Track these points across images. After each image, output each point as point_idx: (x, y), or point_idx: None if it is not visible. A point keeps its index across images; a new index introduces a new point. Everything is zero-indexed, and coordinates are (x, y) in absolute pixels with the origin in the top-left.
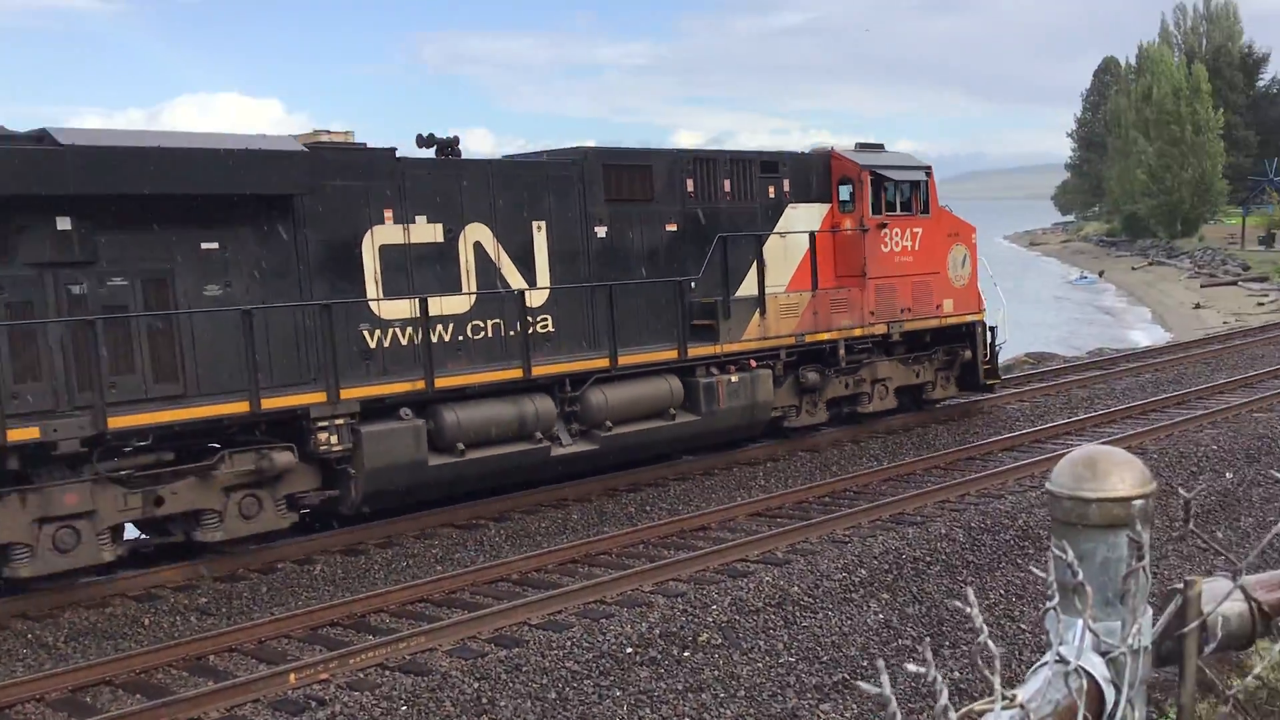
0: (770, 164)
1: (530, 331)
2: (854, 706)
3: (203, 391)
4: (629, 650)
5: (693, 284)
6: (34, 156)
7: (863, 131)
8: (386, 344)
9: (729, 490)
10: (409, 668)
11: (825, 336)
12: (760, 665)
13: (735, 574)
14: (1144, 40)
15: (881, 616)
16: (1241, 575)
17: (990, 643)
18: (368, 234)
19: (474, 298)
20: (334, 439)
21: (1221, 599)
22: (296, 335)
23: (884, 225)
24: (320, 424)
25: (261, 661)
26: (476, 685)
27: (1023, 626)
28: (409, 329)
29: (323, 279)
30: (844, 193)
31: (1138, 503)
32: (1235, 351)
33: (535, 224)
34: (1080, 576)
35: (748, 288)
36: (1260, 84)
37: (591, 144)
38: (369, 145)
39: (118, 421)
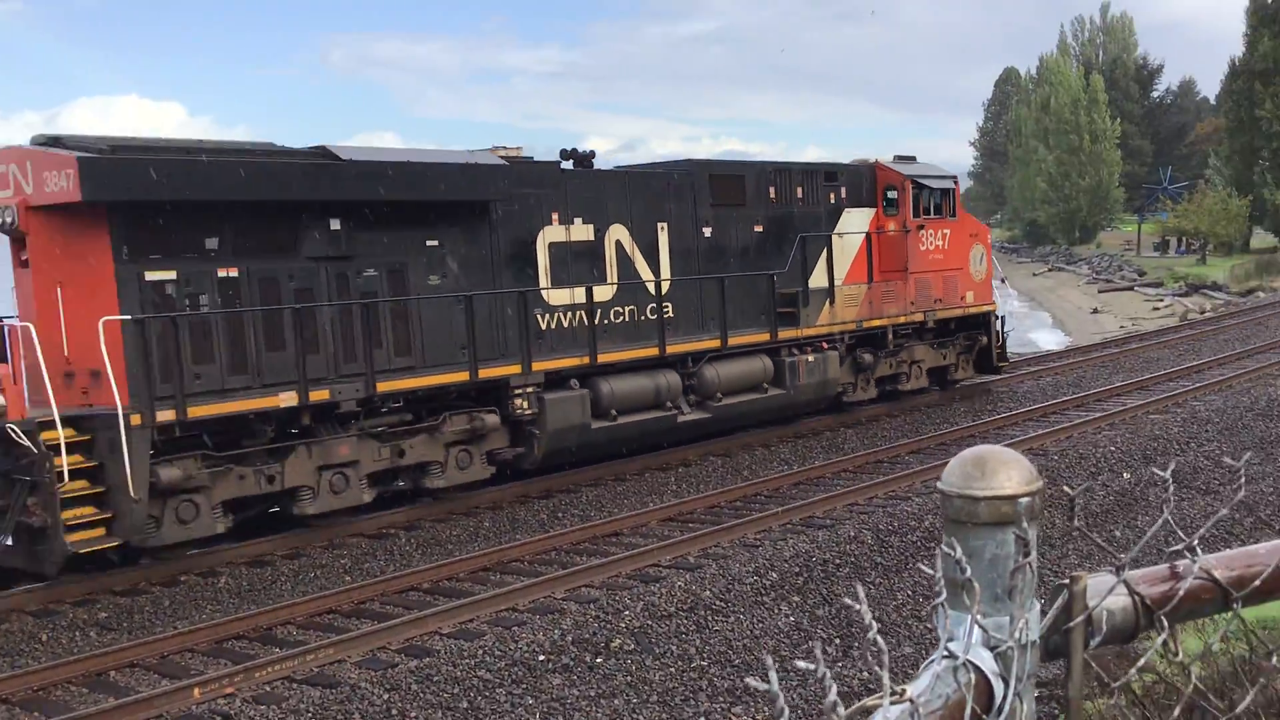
0: (831, 174)
1: (662, 316)
2: (764, 709)
3: (427, 364)
4: (541, 658)
5: (775, 276)
6: (321, 169)
7: (772, 138)
8: (553, 326)
9: (641, 496)
10: (317, 680)
11: (878, 323)
12: (673, 670)
13: (647, 579)
14: (1045, 51)
15: (792, 619)
16: (1125, 570)
17: (879, 639)
18: (540, 233)
19: (616, 287)
20: (525, 404)
21: (1106, 594)
22: (492, 318)
23: (921, 227)
24: (516, 391)
25: (165, 676)
26: (386, 696)
27: (929, 626)
28: (570, 313)
29: (508, 271)
30: (888, 198)
31: (1024, 500)
32: (1131, 355)
33: (659, 225)
34: (969, 573)
35: (819, 280)
36: (1155, 94)
37: (699, 156)
38: (536, 159)
39: (381, 386)
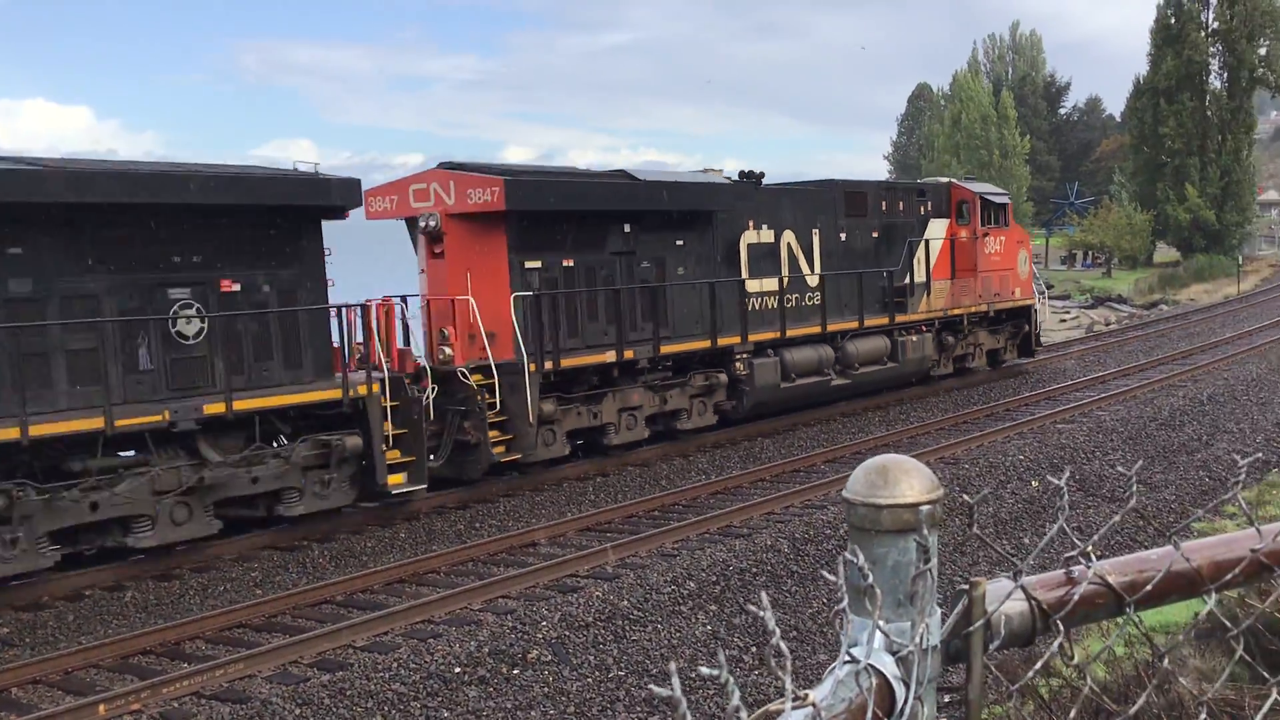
0: (920, 191)
1: (814, 302)
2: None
3: (677, 335)
4: (457, 670)
5: (888, 273)
6: (630, 187)
7: (690, 149)
8: (755, 307)
9: (558, 506)
10: (226, 696)
11: (957, 311)
12: (590, 680)
13: (565, 589)
14: (958, 68)
15: (709, 628)
16: (1023, 575)
17: (782, 644)
18: (742, 236)
19: (788, 279)
20: (742, 367)
21: (1004, 598)
22: (716, 300)
23: (986, 234)
24: (737, 357)
25: (68, 693)
26: (299, 711)
27: (844, 636)
28: (762, 298)
29: (724, 265)
30: (960, 210)
31: (925, 508)
32: (1040, 366)
33: (813, 230)
34: (871, 579)
35: (919, 276)
36: (1062, 111)
37: (836, 176)
38: (732, 179)
39: (662, 349)
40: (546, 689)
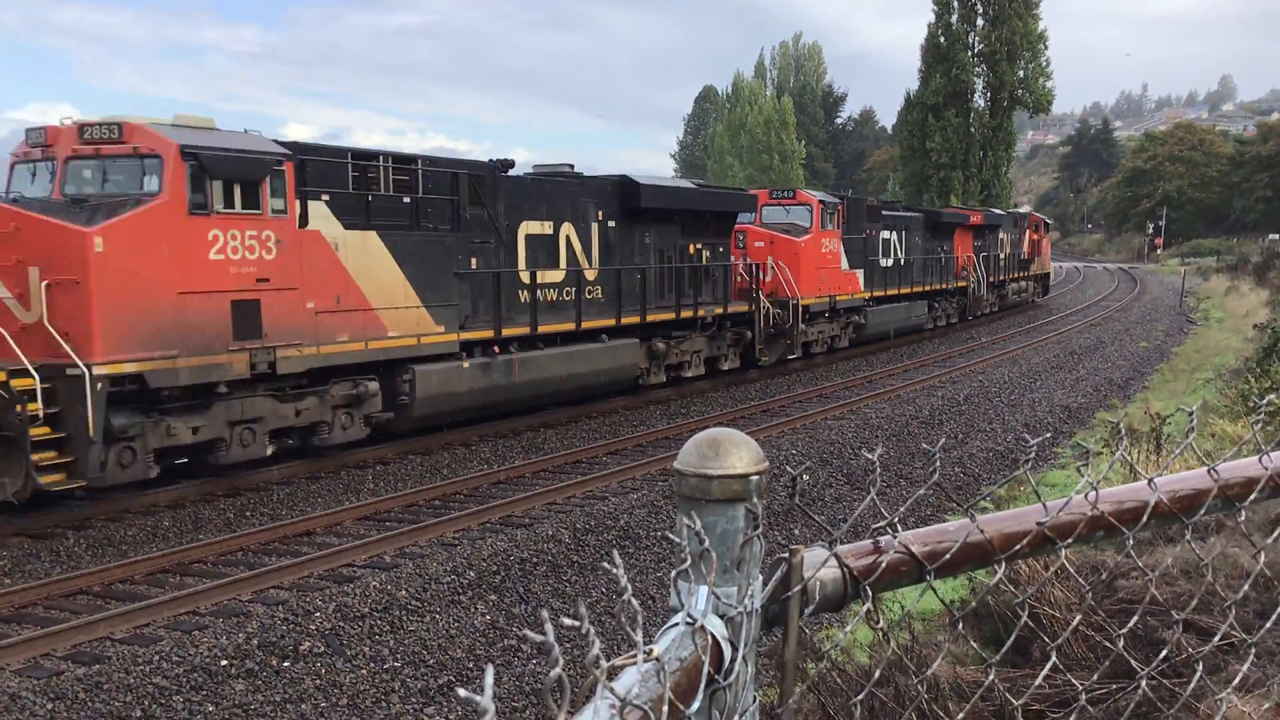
0: (1024, 218)
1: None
2: (459, 709)
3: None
4: (224, 662)
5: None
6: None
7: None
8: None
9: (336, 494)
10: None
11: (1036, 271)
12: (365, 672)
13: (341, 580)
14: (739, 70)
15: (489, 617)
16: (837, 544)
17: (634, 601)
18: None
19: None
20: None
21: (819, 566)
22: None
23: (1042, 238)
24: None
25: None
26: (51, 706)
27: (621, 620)
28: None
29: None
30: (1034, 225)
31: (754, 479)
32: (814, 366)
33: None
34: (706, 544)
35: (1033, 260)
36: (839, 121)
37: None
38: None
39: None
40: (319, 681)
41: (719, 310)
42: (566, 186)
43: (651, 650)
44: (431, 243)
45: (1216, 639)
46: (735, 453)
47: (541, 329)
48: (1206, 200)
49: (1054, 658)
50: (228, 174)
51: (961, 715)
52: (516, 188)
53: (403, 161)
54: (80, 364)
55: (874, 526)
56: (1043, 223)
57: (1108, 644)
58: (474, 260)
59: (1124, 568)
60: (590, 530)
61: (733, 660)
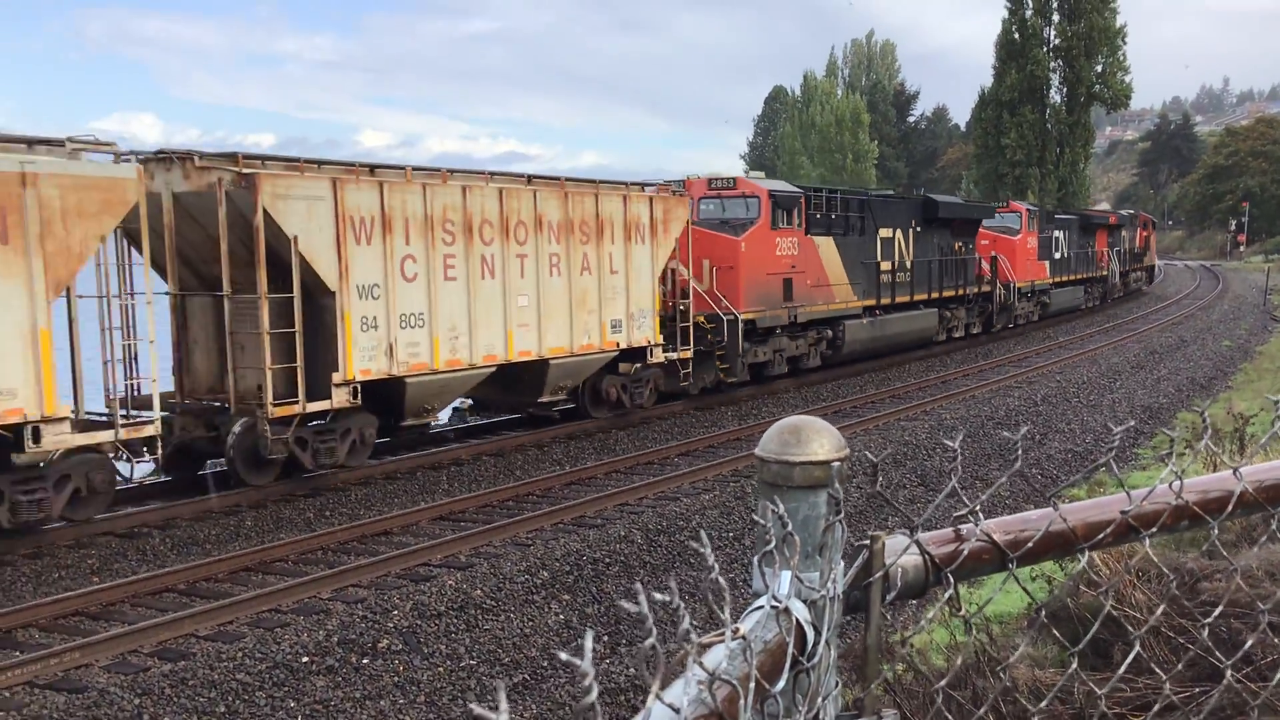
0: (1133, 218)
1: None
2: (534, 707)
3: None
4: (305, 659)
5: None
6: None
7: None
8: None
9: (412, 494)
10: (62, 685)
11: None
12: (441, 670)
13: (417, 579)
14: (810, 69)
15: (562, 617)
16: (919, 531)
17: (721, 579)
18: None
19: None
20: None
21: (901, 552)
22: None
23: (1150, 235)
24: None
25: None
26: (137, 701)
27: (694, 622)
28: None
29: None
30: (1144, 224)
31: (835, 465)
32: (885, 366)
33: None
34: (790, 528)
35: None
36: (910, 119)
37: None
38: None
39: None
40: (397, 678)
41: (974, 290)
42: (896, 203)
43: (738, 629)
44: (853, 244)
45: None
46: (817, 439)
47: (883, 301)
48: None
49: (1136, 647)
50: (785, 206)
51: (1039, 717)
52: (879, 205)
53: (840, 194)
54: (734, 312)
55: (955, 515)
56: (1151, 221)
57: (1189, 645)
58: (866, 254)
59: (1207, 570)
60: (662, 531)
61: (816, 643)
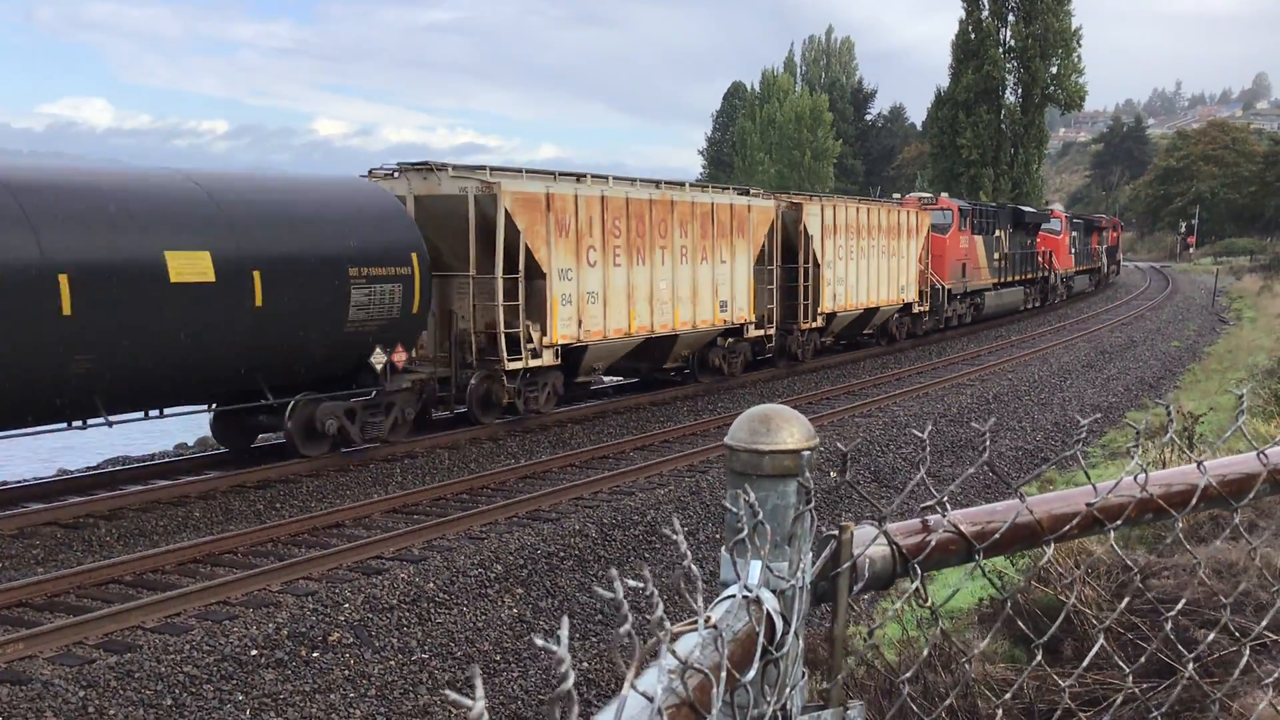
0: (1110, 219)
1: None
2: (487, 699)
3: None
4: (254, 652)
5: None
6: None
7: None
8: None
9: (364, 487)
10: (5, 677)
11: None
12: (393, 663)
13: (369, 571)
14: (768, 66)
15: (516, 611)
16: (886, 522)
17: (693, 567)
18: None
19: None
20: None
21: (869, 543)
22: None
23: (1118, 235)
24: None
25: None
26: (83, 694)
27: (646, 617)
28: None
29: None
30: (1115, 227)
31: (805, 454)
32: (841, 365)
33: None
34: (760, 517)
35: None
36: (868, 117)
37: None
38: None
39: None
40: (348, 671)
41: (1038, 275)
42: (1002, 211)
43: (710, 618)
44: (987, 241)
45: (1250, 638)
46: (786, 428)
47: (997, 281)
48: (1239, 199)
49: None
50: (964, 214)
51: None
52: (993, 212)
53: (979, 206)
54: (941, 284)
55: (922, 505)
56: (1119, 223)
57: (1140, 642)
58: (990, 248)
59: (1155, 567)
60: (617, 525)
61: (785, 633)
